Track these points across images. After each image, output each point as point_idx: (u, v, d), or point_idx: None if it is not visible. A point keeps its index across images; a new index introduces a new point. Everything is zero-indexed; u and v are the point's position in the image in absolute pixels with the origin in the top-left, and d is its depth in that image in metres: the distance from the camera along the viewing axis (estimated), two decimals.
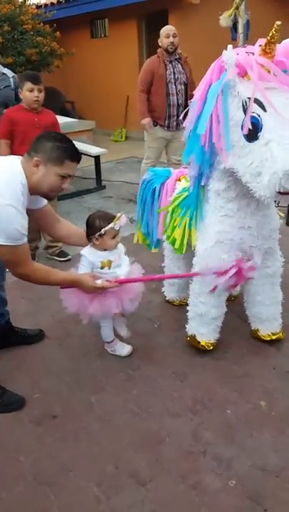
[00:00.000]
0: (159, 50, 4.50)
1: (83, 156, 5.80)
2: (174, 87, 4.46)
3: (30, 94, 3.27)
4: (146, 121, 4.75)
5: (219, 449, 1.93)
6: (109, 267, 2.27)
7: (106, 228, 2.20)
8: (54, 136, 2.03)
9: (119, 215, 2.22)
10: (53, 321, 2.89)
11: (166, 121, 4.57)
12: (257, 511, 1.67)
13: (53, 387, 2.33)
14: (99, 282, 2.18)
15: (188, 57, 4.61)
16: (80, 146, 6.06)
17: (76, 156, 2.05)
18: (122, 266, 2.31)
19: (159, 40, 4.46)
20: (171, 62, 4.44)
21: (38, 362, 2.53)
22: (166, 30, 4.40)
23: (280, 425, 2.03)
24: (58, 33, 7.93)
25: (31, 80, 3.27)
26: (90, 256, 2.27)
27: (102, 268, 2.26)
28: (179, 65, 4.47)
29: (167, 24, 7.80)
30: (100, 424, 2.09)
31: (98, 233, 2.22)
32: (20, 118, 3.34)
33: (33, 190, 2.02)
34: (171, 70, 4.44)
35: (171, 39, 4.34)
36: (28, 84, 3.25)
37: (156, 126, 4.65)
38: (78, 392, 2.28)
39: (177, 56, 4.47)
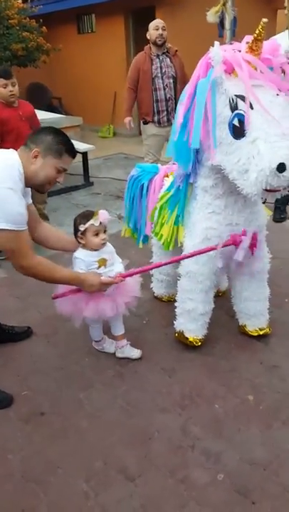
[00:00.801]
0: (146, 46, 4.47)
1: None
2: (160, 81, 4.41)
3: (4, 90, 3.35)
4: (126, 120, 4.74)
5: (207, 444, 1.94)
6: (105, 266, 2.24)
7: (86, 225, 2.17)
8: (53, 131, 2.05)
9: (97, 210, 2.19)
10: (41, 318, 2.88)
11: (156, 117, 4.50)
12: (245, 504, 1.68)
13: (41, 384, 2.32)
14: (103, 277, 2.16)
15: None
16: None
17: (73, 150, 2.07)
18: (116, 264, 2.30)
19: (147, 34, 4.43)
20: (158, 56, 4.40)
21: (26, 359, 2.52)
22: (155, 22, 4.38)
23: (267, 419, 2.05)
24: (44, 28, 7.85)
25: (3, 76, 3.32)
26: (85, 257, 2.22)
27: (98, 268, 2.22)
28: (168, 59, 4.43)
29: (154, 19, 7.80)
30: (88, 421, 2.08)
31: (79, 231, 2.20)
32: (8, 116, 3.39)
33: (29, 181, 2.01)
34: (158, 64, 4.39)
35: (160, 31, 4.31)
36: (1, 81, 3.31)
37: (146, 124, 4.62)
38: (67, 389, 2.28)
39: (165, 50, 4.44)
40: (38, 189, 2.11)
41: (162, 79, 4.41)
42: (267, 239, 2.43)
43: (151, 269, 2.69)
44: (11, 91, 3.36)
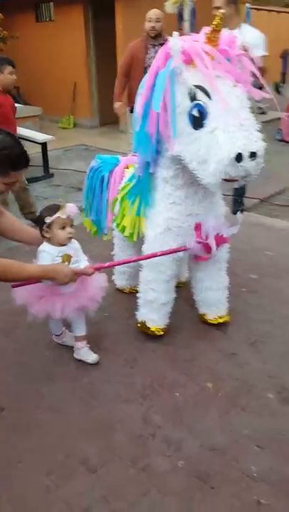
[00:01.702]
0: (144, 34, 4.44)
1: (29, 143, 5.60)
2: None
3: (11, 77, 3.68)
4: (117, 105, 4.70)
5: (168, 432, 1.97)
6: (69, 262, 2.18)
7: (53, 218, 2.12)
8: None
9: (64, 203, 2.16)
10: None
11: None
12: (204, 489, 1.72)
13: (0, 379, 2.28)
14: (75, 269, 2.11)
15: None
16: (25, 132, 5.91)
17: (21, 164, 1.93)
18: (82, 261, 2.24)
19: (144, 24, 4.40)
20: (154, 46, 4.36)
21: None
22: (149, 14, 4.32)
23: (226, 405, 2.10)
24: (0, 15, 7.62)
25: (12, 64, 3.68)
26: (51, 251, 2.16)
27: (62, 262, 2.16)
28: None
29: (114, 9, 7.71)
30: (50, 415, 2.07)
31: (44, 224, 2.14)
32: (3, 101, 3.69)
33: None
34: (153, 54, 4.29)
35: (152, 23, 4.27)
36: (10, 68, 3.65)
37: (133, 112, 4.57)
38: (27, 384, 2.25)
39: (162, 41, 4.34)
40: None
41: None
42: None
43: (122, 263, 2.60)
44: (14, 79, 3.70)
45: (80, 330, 2.38)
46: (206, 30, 1.94)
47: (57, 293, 2.16)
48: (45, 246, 2.18)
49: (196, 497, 1.69)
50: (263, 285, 3.11)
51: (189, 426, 2.00)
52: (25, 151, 1.95)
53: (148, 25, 4.33)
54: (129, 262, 2.48)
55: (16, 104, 7.08)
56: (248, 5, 4.09)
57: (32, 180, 5.56)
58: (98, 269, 2.21)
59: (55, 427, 2.00)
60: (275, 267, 3.35)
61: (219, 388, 2.21)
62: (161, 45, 4.32)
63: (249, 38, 3.67)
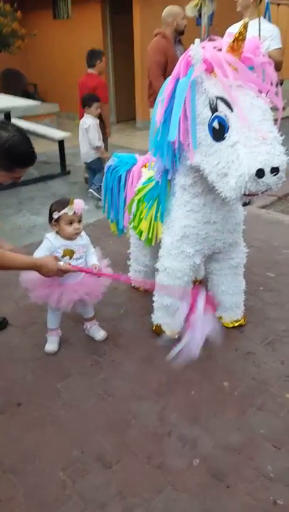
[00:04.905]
0: (166, 32, 4.31)
1: (46, 141, 5.60)
2: None
3: (103, 64, 4.95)
4: None
5: (184, 430, 1.97)
6: (70, 257, 2.23)
7: (60, 213, 2.16)
8: (7, 139, 1.86)
9: (72, 199, 2.17)
10: (17, 308, 2.85)
11: None
12: (220, 488, 1.72)
13: (18, 374, 2.30)
14: (61, 264, 2.13)
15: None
16: (43, 129, 5.94)
17: (27, 162, 1.96)
18: (92, 256, 2.31)
19: (172, 20, 4.28)
20: (175, 42, 4.39)
21: (2, 349, 2.49)
22: (183, 12, 4.34)
23: (242, 404, 2.09)
24: (18, 12, 7.68)
25: (102, 53, 4.95)
26: (54, 241, 2.22)
27: (63, 256, 2.21)
28: (181, 47, 4.41)
29: (131, 6, 7.70)
30: (65, 410, 2.09)
31: (53, 218, 2.20)
32: (103, 83, 4.88)
33: None
34: (176, 49, 4.37)
35: (185, 21, 4.32)
36: (101, 57, 4.88)
37: None
38: (43, 379, 2.27)
39: (178, 37, 4.43)
40: None
41: None
42: (242, 228, 2.45)
43: (113, 278, 2.43)
44: (105, 65, 4.92)
45: (88, 313, 2.54)
46: (229, 35, 1.88)
47: (56, 283, 2.21)
48: (51, 235, 2.25)
49: (211, 495, 1.69)
50: (281, 283, 3.08)
51: (205, 424, 1.99)
52: (33, 150, 1.95)
53: (184, 22, 4.30)
54: (115, 278, 2.42)
55: (34, 102, 7.18)
56: (267, 0, 4.04)
57: (49, 177, 5.62)
58: (81, 271, 2.22)
59: (70, 423, 2.02)
60: None
61: (235, 387, 2.20)
62: (179, 40, 4.37)
63: (265, 30, 3.64)
